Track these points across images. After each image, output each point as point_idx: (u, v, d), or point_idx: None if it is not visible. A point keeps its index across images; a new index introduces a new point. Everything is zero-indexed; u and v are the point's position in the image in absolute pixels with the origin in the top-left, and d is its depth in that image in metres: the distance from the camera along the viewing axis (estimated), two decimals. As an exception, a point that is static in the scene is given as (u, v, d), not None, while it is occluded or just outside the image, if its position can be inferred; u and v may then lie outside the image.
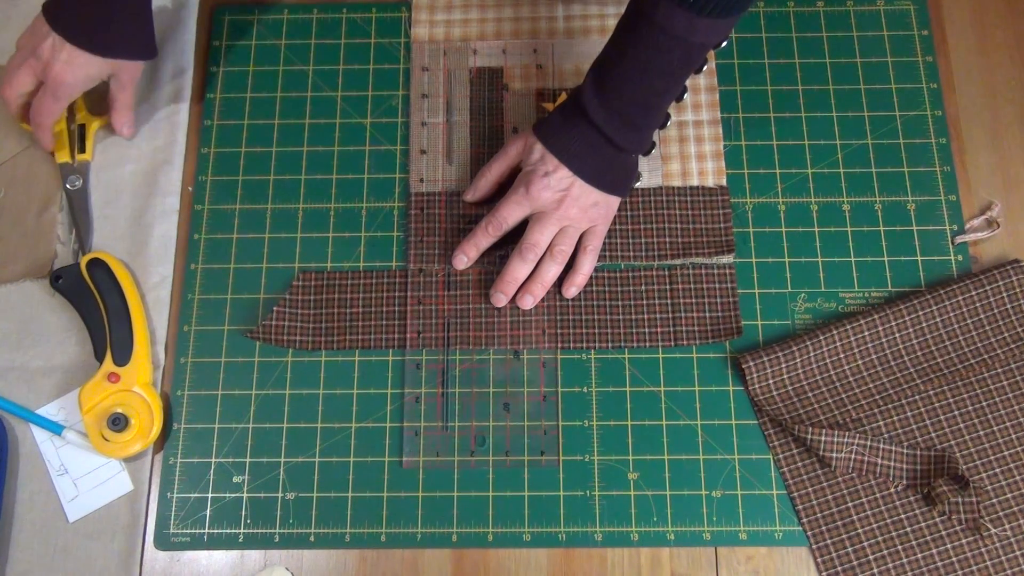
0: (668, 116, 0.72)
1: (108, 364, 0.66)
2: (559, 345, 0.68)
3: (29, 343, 0.69)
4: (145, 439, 0.65)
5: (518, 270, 0.67)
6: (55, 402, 0.67)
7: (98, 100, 0.75)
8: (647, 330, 0.68)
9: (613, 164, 0.66)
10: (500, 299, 0.68)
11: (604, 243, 0.70)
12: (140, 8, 0.68)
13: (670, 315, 0.69)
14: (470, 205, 0.72)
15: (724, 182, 0.72)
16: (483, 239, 0.68)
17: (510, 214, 0.67)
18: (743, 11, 0.59)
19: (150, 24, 0.69)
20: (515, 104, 0.74)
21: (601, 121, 0.63)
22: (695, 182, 0.72)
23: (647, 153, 0.71)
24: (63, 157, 0.73)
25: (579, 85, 0.65)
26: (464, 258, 0.69)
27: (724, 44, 0.63)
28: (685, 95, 0.72)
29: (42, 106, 0.67)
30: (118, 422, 0.64)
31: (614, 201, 0.68)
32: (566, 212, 0.66)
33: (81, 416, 0.65)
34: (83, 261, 0.68)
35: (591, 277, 0.69)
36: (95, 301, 0.67)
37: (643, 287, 0.69)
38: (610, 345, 0.68)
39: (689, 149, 0.73)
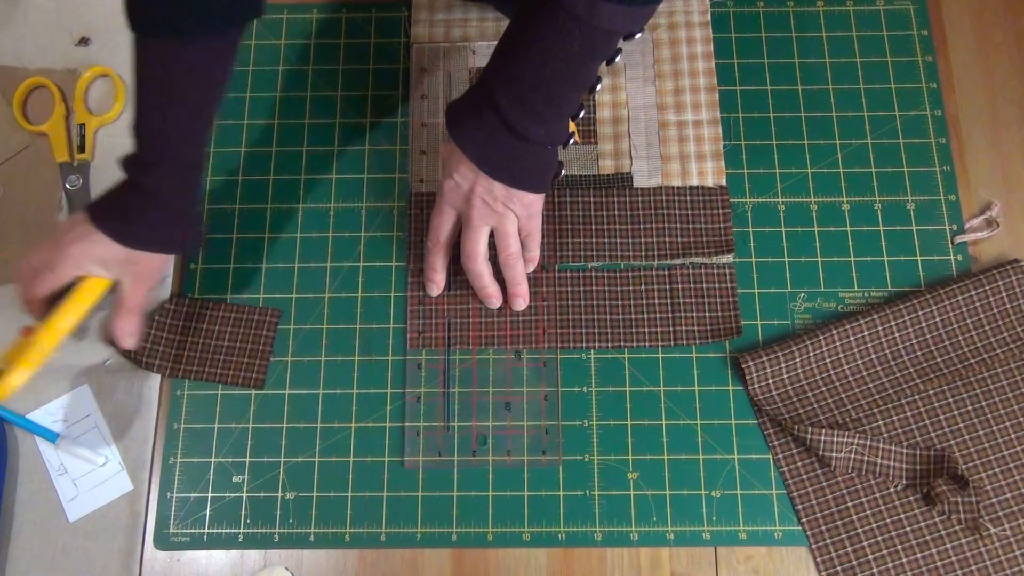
0: (581, 107, 0.66)
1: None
2: (559, 345, 0.68)
3: (29, 343, 0.69)
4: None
5: (479, 280, 0.66)
6: (55, 402, 0.67)
7: (98, 100, 0.75)
8: (647, 330, 0.68)
9: (520, 156, 0.61)
10: (492, 304, 0.68)
11: (604, 243, 0.70)
12: (182, 209, 0.62)
13: (670, 315, 0.69)
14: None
15: (724, 182, 0.72)
16: (434, 258, 0.67)
17: (437, 225, 0.65)
18: (649, 3, 0.56)
19: (187, 225, 0.63)
20: (515, 104, 0.74)
21: (504, 107, 0.59)
22: (695, 182, 0.72)
23: (565, 145, 0.65)
24: (63, 157, 0.73)
25: (486, 65, 0.61)
26: (433, 284, 0.68)
27: (638, 35, 0.58)
28: (599, 86, 0.67)
29: (44, 281, 0.61)
30: None
31: (531, 196, 0.63)
32: (481, 212, 0.63)
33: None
34: None
35: (591, 277, 0.69)
36: None
37: (643, 287, 0.69)
38: (610, 345, 0.68)
39: (689, 149, 0.73)
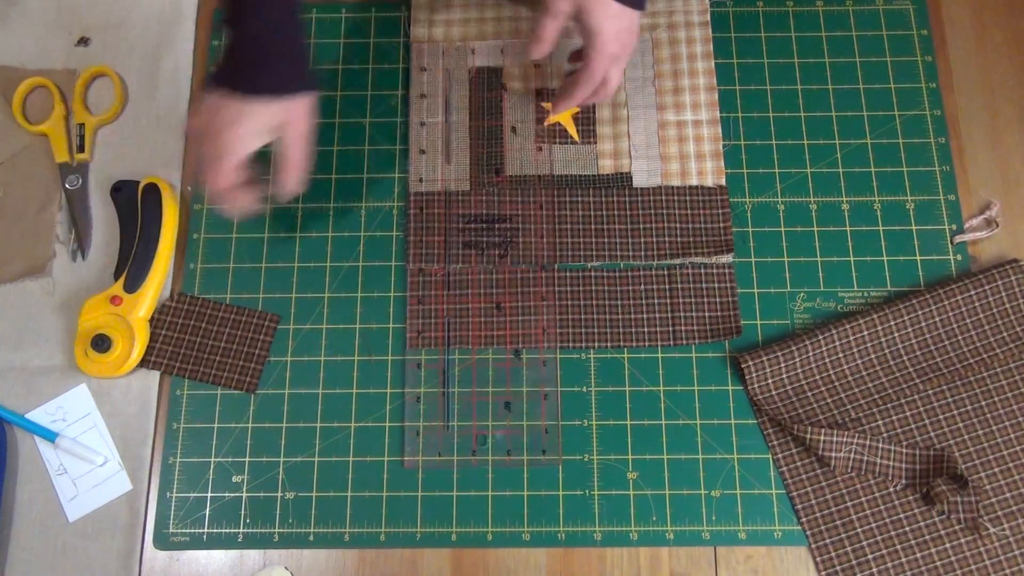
0: None
1: (117, 286, 0.68)
2: (559, 345, 0.68)
3: (28, 343, 0.69)
4: (117, 370, 0.66)
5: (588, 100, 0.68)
6: (53, 401, 0.67)
7: (97, 100, 0.75)
8: (646, 330, 0.68)
9: None
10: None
11: (604, 243, 0.70)
12: (294, 43, 0.62)
13: (669, 315, 0.69)
14: (469, 204, 0.72)
15: (723, 182, 0.72)
16: (582, 94, 0.67)
17: (604, 71, 0.65)
18: None
19: (305, 58, 0.63)
20: (514, 104, 0.74)
21: None
22: (694, 182, 0.72)
23: None
24: (62, 157, 0.73)
25: None
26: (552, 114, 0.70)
27: None
28: None
29: (218, 170, 0.61)
30: (100, 343, 0.65)
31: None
32: (630, 45, 0.66)
33: (77, 324, 0.67)
34: (143, 182, 0.70)
35: (591, 277, 0.69)
36: (136, 223, 0.69)
37: (643, 287, 0.69)
38: (610, 345, 0.68)
39: (688, 149, 0.73)
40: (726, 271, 0.70)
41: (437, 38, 0.76)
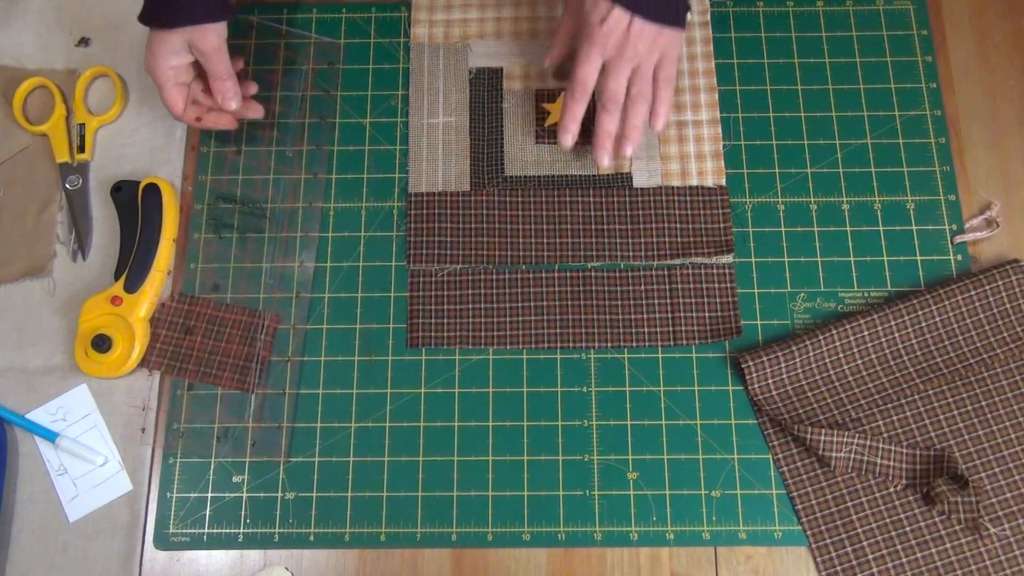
0: None
1: (118, 286, 0.68)
2: (559, 345, 0.68)
3: (28, 343, 0.69)
4: (117, 370, 0.67)
5: (609, 124, 0.67)
6: (54, 401, 0.67)
7: (97, 100, 0.75)
8: (647, 330, 0.68)
9: None
10: (604, 157, 0.68)
11: (604, 243, 0.70)
12: None
13: (669, 315, 0.69)
14: (470, 204, 0.72)
15: (723, 182, 0.72)
16: (579, 107, 0.67)
17: (586, 74, 0.65)
18: None
19: None
20: (514, 104, 0.74)
21: None
22: (695, 182, 0.72)
23: None
24: (62, 157, 0.73)
25: None
26: (569, 136, 0.68)
27: None
28: None
29: (163, 98, 0.68)
30: (100, 343, 0.65)
31: (677, 32, 0.65)
32: (634, 51, 0.64)
33: (78, 324, 0.68)
34: (143, 182, 0.70)
35: (591, 277, 0.69)
36: (136, 223, 0.69)
37: (643, 287, 0.69)
38: (610, 345, 0.68)
39: (688, 149, 0.73)
40: (726, 271, 0.70)
41: (437, 38, 0.76)
